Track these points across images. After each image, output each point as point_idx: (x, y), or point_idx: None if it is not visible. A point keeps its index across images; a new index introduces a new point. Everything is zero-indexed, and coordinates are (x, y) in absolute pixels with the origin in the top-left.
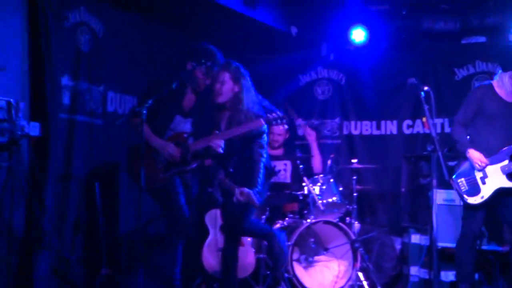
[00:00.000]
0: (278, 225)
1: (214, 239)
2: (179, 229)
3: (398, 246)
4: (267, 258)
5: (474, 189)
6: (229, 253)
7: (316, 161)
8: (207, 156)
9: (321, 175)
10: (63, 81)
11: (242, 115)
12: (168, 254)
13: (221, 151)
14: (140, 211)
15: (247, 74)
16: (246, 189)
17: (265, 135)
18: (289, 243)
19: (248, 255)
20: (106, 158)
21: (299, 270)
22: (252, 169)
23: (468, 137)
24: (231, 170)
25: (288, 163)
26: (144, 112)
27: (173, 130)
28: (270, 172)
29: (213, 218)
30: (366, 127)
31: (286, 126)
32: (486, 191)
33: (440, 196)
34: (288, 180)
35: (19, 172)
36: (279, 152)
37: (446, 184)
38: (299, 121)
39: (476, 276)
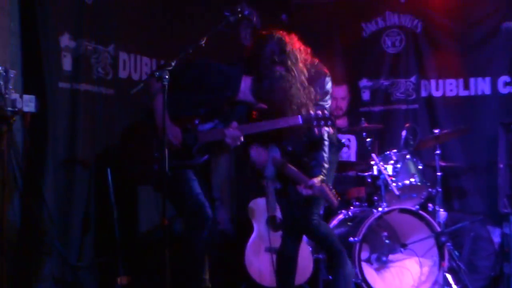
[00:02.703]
0: (341, 216)
1: (258, 236)
2: (195, 225)
3: (497, 239)
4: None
5: None
6: (288, 253)
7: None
8: (219, 152)
9: (395, 151)
10: (63, 41)
11: (286, 101)
12: (189, 257)
13: (236, 145)
14: (164, 203)
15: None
16: (317, 182)
17: (328, 96)
18: (356, 238)
19: (304, 255)
20: (120, 137)
21: (369, 273)
22: (314, 148)
23: None
24: (289, 148)
25: (352, 138)
26: (166, 77)
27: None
28: (338, 145)
29: (257, 209)
30: (450, 87)
31: (330, 129)
32: None
33: None
34: (353, 158)
35: (11, 157)
36: (342, 122)
37: None
38: (364, 82)
39: None
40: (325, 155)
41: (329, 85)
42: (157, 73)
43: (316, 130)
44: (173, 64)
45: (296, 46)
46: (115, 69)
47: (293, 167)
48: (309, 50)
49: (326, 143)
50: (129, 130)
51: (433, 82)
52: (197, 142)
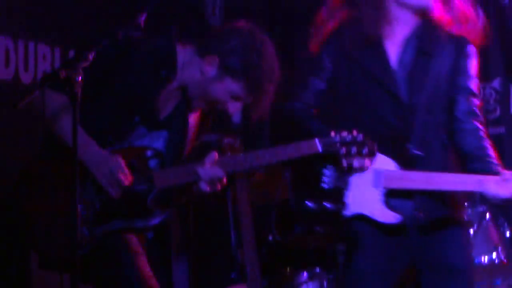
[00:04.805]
0: None
1: None
2: None
3: None
4: None
5: None
6: None
7: None
8: (188, 201)
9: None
10: None
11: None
12: None
13: (214, 190)
14: None
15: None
16: None
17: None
18: None
19: None
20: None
21: None
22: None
23: None
24: (416, 152)
25: None
26: (78, 79)
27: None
28: None
29: None
30: None
31: (368, 162)
32: None
33: None
34: None
35: None
36: None
37: None
38: None
39: None
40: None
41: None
42: (64, 72)
43: (344, 162)
44: (90, 56)
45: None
46: None
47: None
48: None
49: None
50: (23, 169)
51: None
52: (153, 187)
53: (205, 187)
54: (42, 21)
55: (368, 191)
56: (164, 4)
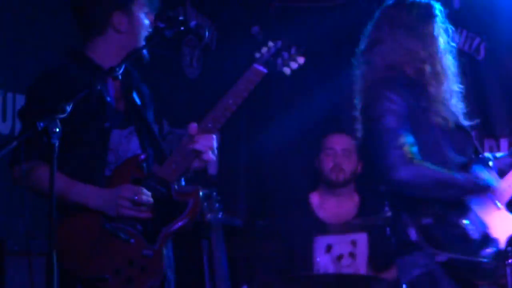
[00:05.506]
0: None
1: None
2: None
3: None
4: None
5: None
6: None
7: None
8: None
9: None
10: None
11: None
12: None
13: (214, 155)
14: None
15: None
16: None
17: None
18: None
19: None
20: None
21: None
22: None
23: None
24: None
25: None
26: (55, 130)
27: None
28: None
29: None
30: None
31: (301, 59)
32: None
33: None
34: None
35: None
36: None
37: None
38: None
39: None
40: None
41: None
42: (42, 124)
43: (287, 70)
44: (67, 108)
45: None
46: None
47: None
48: None
49: None
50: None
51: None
52: (169, 185)
53: (208, 156)
54: (20, 72)
55: (501, 215)
56: (143, 57)
